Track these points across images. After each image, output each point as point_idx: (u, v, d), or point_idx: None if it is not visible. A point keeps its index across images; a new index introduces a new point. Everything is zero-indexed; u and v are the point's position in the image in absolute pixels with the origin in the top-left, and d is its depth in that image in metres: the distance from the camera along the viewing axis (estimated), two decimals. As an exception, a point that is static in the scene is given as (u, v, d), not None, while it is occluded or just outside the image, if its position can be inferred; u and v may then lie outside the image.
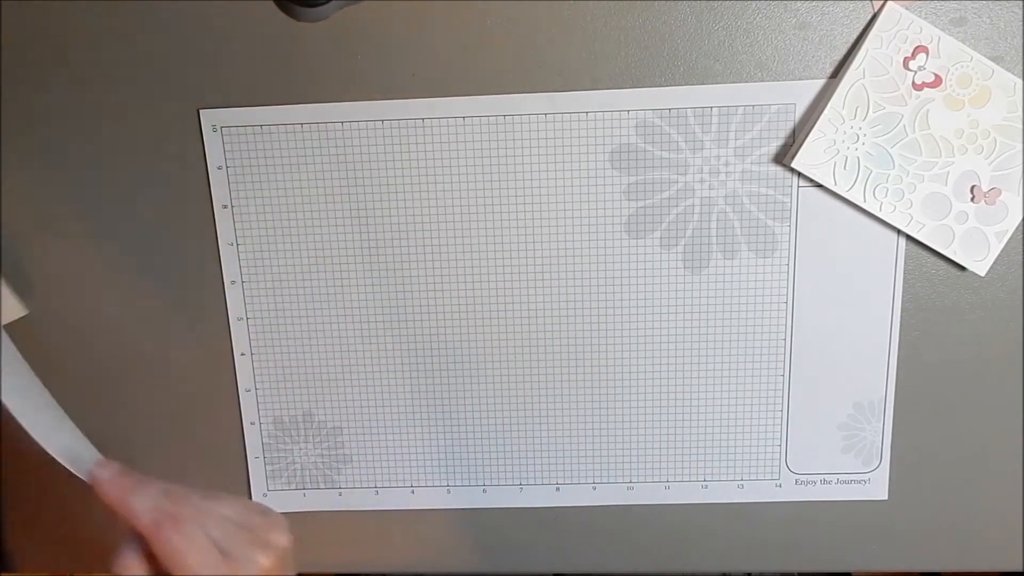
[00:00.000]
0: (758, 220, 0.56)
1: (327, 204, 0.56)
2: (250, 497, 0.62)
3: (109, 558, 0.43)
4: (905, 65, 0.52)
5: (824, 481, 0.61)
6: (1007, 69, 0.52)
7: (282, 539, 0.44)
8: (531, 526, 0.62)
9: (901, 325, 0.57)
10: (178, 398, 0.61)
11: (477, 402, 0.60)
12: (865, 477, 0.60)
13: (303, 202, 0.56)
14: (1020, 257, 0.56)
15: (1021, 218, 0.54)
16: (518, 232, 0.56)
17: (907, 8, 0.52)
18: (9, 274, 0.58)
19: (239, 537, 0.43)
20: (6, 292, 0.58)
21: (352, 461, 0.62)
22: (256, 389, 0.60)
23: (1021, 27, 0.52)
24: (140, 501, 0.42)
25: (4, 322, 0.58)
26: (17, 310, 0.58)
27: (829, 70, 0.53)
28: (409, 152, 0.55)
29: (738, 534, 0.61)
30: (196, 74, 0.54)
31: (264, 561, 0.42)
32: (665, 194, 0.55)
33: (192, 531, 0.41)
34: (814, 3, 0.52)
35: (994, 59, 0.52)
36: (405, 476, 0.62)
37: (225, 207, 0.57)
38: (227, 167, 0.56)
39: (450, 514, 0.62)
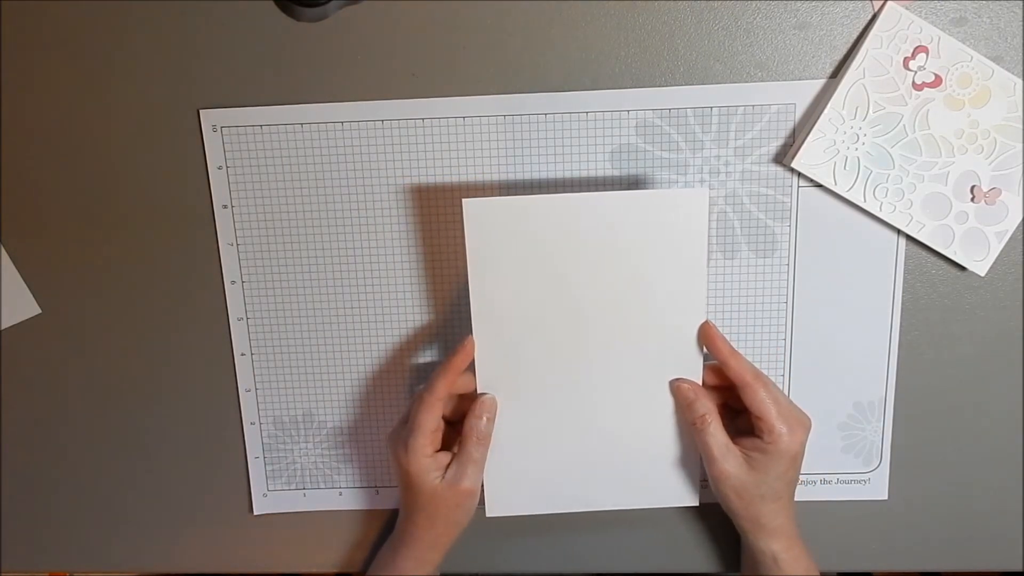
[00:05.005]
0: (758, 220, 0.56)
1: (327, 204, 0.56)
2: (250, 497, 0.62)
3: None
4: (905, 65, 0.52)
5: (824, 481, 0.61)
6: (1007, 69, 0.52)
7: None
8: (531, 526, 0.62)
9: (901, 325, 0.57)
10: (178, 398, 0.61)
11: (477, 402, 0.59)
12: (865, 477, 0.60)
13: (303, 202, 0.56)
14: (1020, 257, 0.56)
15: (1021, 218, 0.54)
16: (518, 232, 0.56)
17: (907, 8, 0.52)
18: (10, 274, 0.58)
19: None
20: (21, 290, 0.58)
21: (352, 461, 0.62)
22: (256, 389, 0.60)
23: (1021, 27, 0.52)
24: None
25: (18, 320, 0.58)
26: (32, 308, 0.58)
27: (829, 70, 0.53)
28: (409, 152, 0.55)
29: (738, 534, 0.61)
30: (196, 74, 0.54)
31: None
32: (665, 194, 0.55)
33: None
34: (814, 3, 0.52)
35: (994, 59, 0.52)
36: (405, 476, 0.62)
37: (225, 207, 0.57)
38: (227, 167, 0.56)
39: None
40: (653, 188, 0.55)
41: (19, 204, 0.57)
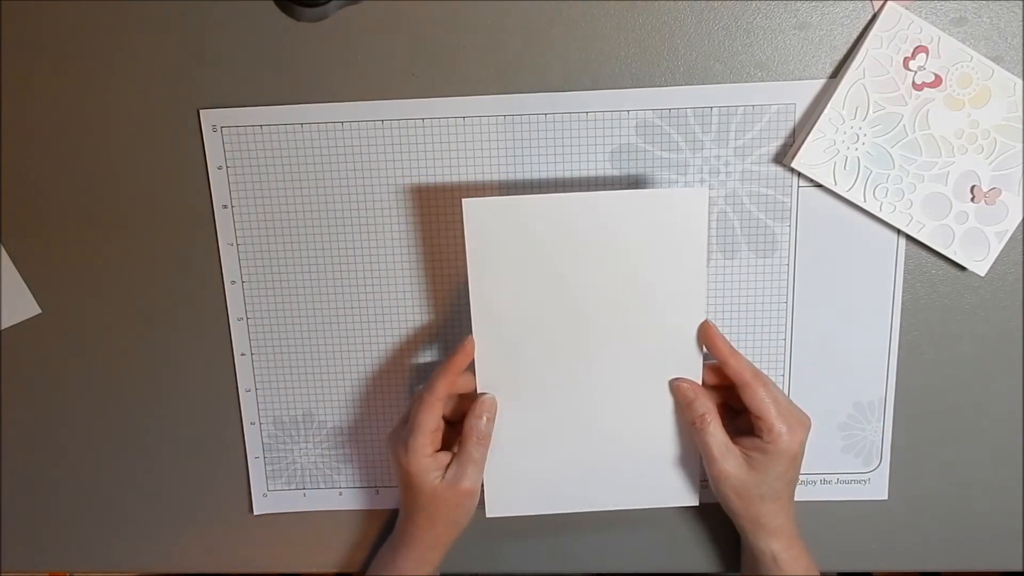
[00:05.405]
0: (758, 220, 0.56)
1: (327, 204, 0.56)
2: (250, 497, 0.62)
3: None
4: (905, 65, 0.52)
5: (824, 481, 0.61)
6: (1007, 69, 0.52)
7: None
8: (531, 526, 0.62)
9: (901, 325, 0.57)
10: (178, 398, 0.61)
11: (477, 402, 0.59)
12: (865, 477, 0.60)
13: (303, 202, 0.56)
14: (1020, 257, 0.56)
15: (1021, 218, 0.54)
16: (518, 232, 0.56)
17: (907, 8, 0.52)
18: (10, 274, 0.58)
19: None
20: (21, 290, 0.58)
21: (352, 461, 0.62)
22: (256, 389, 0.60)
23: (1021, 27, 0.52)
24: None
25: (18, 320, 0.58)
26: (32, 308, 0.58)
27: (829, 70, 0.53)
28: (409, 152, 0.55)
29: (738, 534, 0.61)
30: (196, 74, 0.54)
31: None
32: (665, 194, 0.55)
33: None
34: (814, 3, 0.52)
35: (994, 59, 0.52)
36: (405, 476, 0.62)
37: (225, 207, 0.57)
38: (227, 167, 0.56)
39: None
40: (653, 188, 0.55)
41: (19, 204, 0.57)
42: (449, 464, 0.53)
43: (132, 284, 0.58)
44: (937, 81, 0.52)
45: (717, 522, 0.61)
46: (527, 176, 0.55)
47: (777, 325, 0.58)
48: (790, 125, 0.54)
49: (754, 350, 0.58)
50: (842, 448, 0.60)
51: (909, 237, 0.55)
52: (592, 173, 0.55)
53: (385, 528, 0.63)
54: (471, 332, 0.52)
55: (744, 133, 0.54)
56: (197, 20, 0.53)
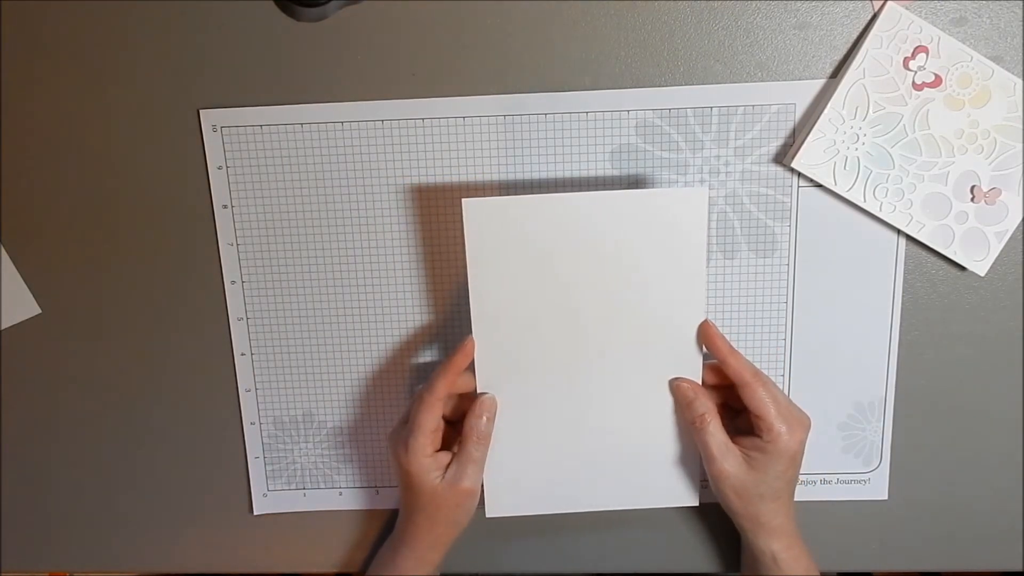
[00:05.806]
0: (758, 220, 0.56)
1: (327, 204, 0.56)
2: (250, 497, 0.62)
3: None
4: (905, 65, 0.52)
5: (824, 481, 0.61)
6: (1007, 69, 0.52)
7: None
8: (531, 526, 0.62)
9: (901, 325, 0.57)
10: (178, 398, 0.61)
11: (477, 402, 0.59)
12: (865, 477, 0.60)
13: (303, 202, 0.56)
14: (1020, 257, 0.56)
15: (1021, 218, 0.54)
16: (518, 232, 0.56)
17: (907, 8, 0.52)
18: (10, 274, 0.58)
19: None
20: (21, 290, 0.58)
21: (352, 461, 0.62)
22: (256, 389, 0.60)
23: (1021, 27, 0.52)
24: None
25: (18, 320, 0.58)
26: (32, 308, 0.58)
27: (829, 70, 0.53)
28: (409, 152, 0.55)
29: (738, 534, 0.61)
30: (196, 74, 0.54)
31: None
32: (665, 194, 0.55)
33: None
34: (814, 3, 0.52)
35: (994, 59, 0.52)
36: (405, 476, 0.62)
37: (225, 207, 0.57)
38: (227, 167, 0.56)
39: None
40: (653, 188, 0.55)
41: (19, 204, 0.57)
42: (449, 464, 0.53)
43: (132, 284, 0.58)
44: (937, 81, 0.52)
45: (717, 522, 0.61)
46: (527, 176, 0.55)
47: (777, 325, 0.58)
48: (790, 125, 0.54)
49: (754, 350, 0.58)
50: (842, 448, 0.60)
51: (909, 237, 0.55)
52: (592, 173, 0.55)
53: (385, 528, 0.63)
54: (471, 332, 0.52)
55: (744, 133, 0.54)
56: (197, 20, 0.53)
